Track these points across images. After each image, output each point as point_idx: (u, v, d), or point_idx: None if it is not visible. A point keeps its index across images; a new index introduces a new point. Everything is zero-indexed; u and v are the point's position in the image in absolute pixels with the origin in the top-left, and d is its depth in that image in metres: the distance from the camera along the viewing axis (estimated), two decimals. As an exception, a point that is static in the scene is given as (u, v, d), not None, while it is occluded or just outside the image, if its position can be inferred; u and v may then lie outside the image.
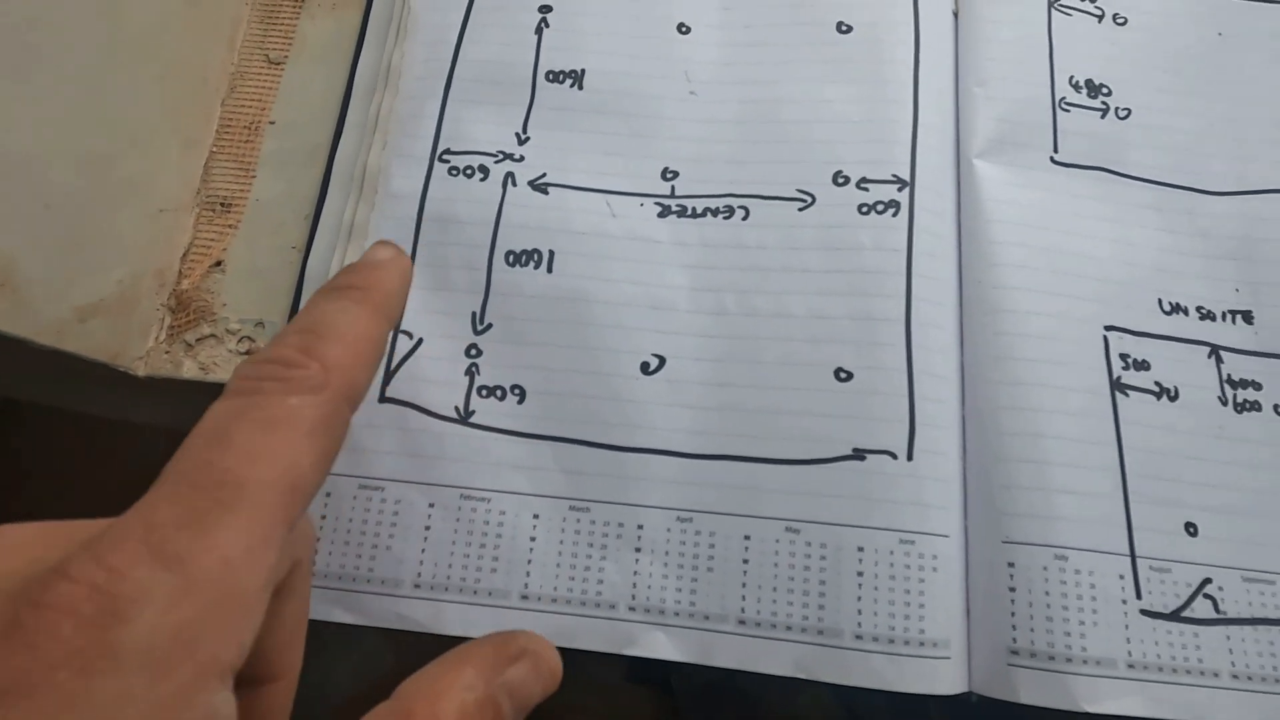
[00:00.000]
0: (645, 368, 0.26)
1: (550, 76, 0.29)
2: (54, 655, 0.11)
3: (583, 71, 0.29)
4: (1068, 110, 0.28)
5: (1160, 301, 0.26)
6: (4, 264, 0.23)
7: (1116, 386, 0.25)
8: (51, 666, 0.11)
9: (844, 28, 0.29)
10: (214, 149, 0.31)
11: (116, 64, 0.26)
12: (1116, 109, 0.29)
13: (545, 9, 0.30)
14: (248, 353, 0.29)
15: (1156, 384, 0.25)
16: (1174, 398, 0.25)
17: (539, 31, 0.29)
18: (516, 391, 0.26)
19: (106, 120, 0.26)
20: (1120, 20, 0.30)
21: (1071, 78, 0.29)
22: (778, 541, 0.24)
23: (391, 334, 0.26)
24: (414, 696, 0.15)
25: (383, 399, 0.26)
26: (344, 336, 0.17)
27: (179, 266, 0.30)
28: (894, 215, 0.26)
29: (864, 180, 0.27)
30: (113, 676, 0.11)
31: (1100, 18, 0.30)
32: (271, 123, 0.32)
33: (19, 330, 0.23)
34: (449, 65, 0.29)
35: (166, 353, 0.29)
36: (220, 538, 0.13)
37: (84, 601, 0.11)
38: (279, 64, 0.33)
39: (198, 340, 0.29)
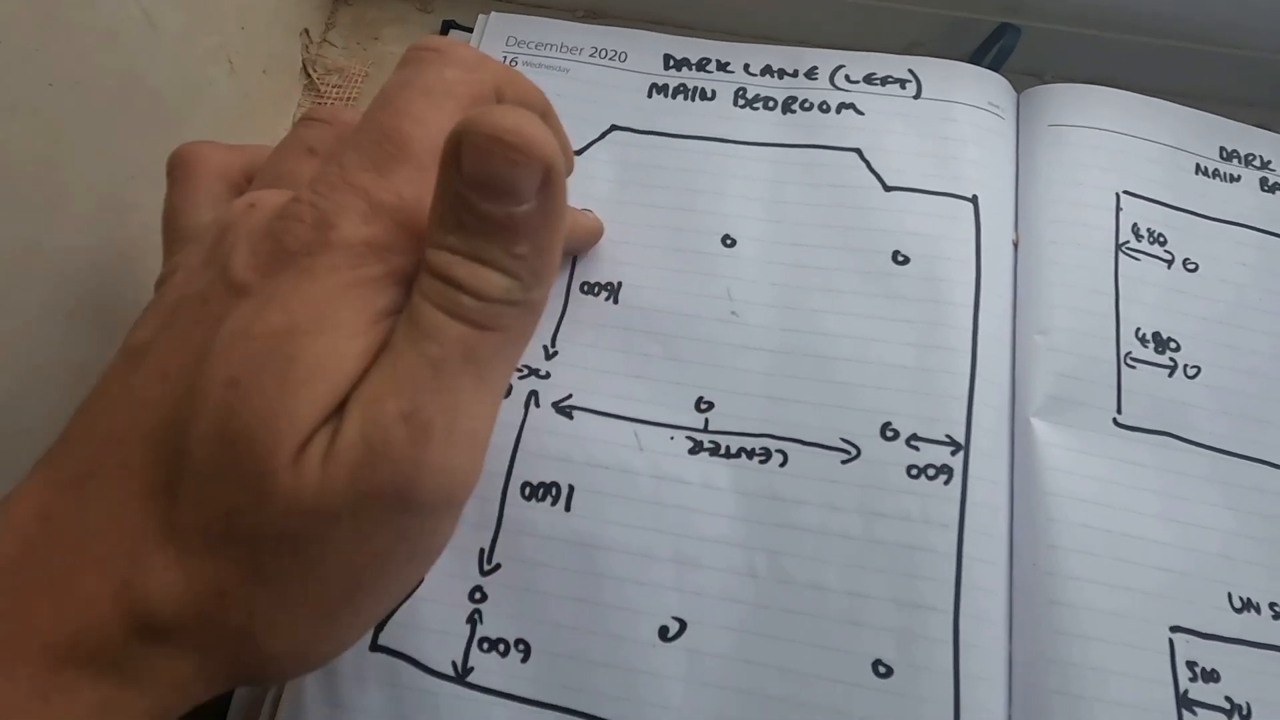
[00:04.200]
0: (664, 633, 0.23)
1: (585, 288, 0.27)
2: (294, 245, 0.16)
3: (619, 284, 0.27)
4: (1133, 366, 0.27)
5: (1230, 596, 0.24)
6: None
7: (1183, 703, 0.23)
8: (293, 252, 0.16)
9: (900, 258, 0.27)
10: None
11: None
12: (1185, 366, 0.27)
13: (583, 214, 0.28)
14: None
15: (1227, 699, 0.23)
16: (1246, 716, 0.23)
17: (576, 239, 0.28)
18: (521, 647, 0.23)
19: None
20: (1191, 266, 0.28)
21: (1139, 330, 0.27)
22: None
23: None
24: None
25: (374, 647, 0.23)
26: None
27: None
28: (945, 483, 0.24)
29: (914, 438, 0.25)
30: (327, 256, 0.15)
31: (1170, 263, 0.28)
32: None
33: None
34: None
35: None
36: (394, 179, 0.16)
37: (307, 212, 0.16)
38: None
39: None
